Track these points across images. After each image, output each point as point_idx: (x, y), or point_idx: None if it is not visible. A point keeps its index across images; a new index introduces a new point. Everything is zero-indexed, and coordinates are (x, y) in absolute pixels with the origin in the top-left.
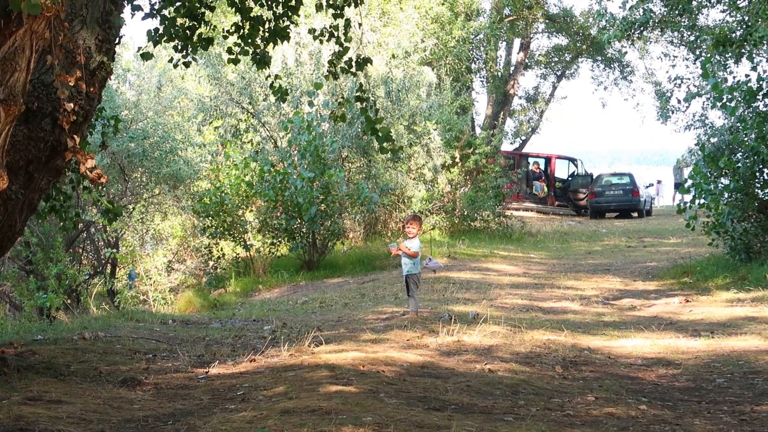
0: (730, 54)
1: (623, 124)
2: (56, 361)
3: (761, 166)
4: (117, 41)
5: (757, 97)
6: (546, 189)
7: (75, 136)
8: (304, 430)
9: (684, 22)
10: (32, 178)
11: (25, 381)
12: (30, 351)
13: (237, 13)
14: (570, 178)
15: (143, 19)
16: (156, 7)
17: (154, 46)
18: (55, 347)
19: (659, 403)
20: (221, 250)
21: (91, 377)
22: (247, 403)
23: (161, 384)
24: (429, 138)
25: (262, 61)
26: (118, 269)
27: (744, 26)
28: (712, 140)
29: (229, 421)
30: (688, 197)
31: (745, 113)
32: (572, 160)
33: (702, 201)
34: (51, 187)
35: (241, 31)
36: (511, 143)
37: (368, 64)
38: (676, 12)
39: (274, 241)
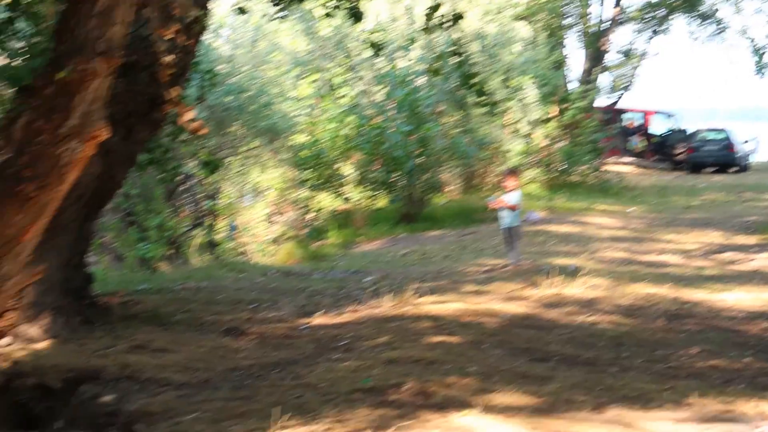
0: None
1: (718, 79)
2: (160, 310)
3: None
4: None
5: None
6: (642, 144)
7: (173, 89)
8: (409, 379)
9: None
10: (132, 131)
11: (130, 330)
12: (134, 301)
13: None
14: (667, 133)
15: None
16: None
17: (249, 0)
18: (158, 297)
19: (763, 356)
20: (320, 202)
21: (194, 327)
22: (350, 352)
23: (265, 333)
24: (524, 93)
25: (356, 15)
26: (217, 221)
27: None
28: None
29: (334, 370)
30: None
31: None
32: (668, 115)
33: None
34: (150, 139)
35: None
36: (607, 98)
37: (462, 19)
38: None
39: (373, 194)
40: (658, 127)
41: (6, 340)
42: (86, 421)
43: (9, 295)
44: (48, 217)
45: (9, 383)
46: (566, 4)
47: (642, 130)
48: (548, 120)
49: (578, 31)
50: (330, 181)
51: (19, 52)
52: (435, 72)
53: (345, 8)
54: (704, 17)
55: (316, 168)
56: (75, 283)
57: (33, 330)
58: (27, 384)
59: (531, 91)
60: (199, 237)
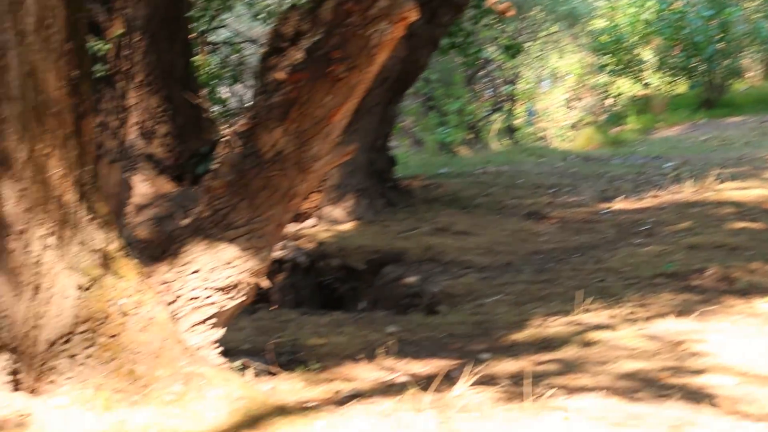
0: None
1: None
2: (461, 194)
3: None
4: None
5: None
6: None
7: None
8: (712, 265)
9: None
10: (436, 14)
11: (431, 213)
12: (435, 184)
13: None
14: None
15: None
16: None
17: None
18: (459, 180)
19: None
20: (619, 88)
21: (495, 210)
22: (652, 237)
23: (565, 218)
24: None
25: None
26: (516, 106)
27: None
28: None
29: (635, 255)
30: None
31: None
32: None
33: None
34: (453, 23)
35: None
36: None
37: None
38: None
39: (672, 79)
40: None
41: (311, 221)
42: (389, 302)
43: (318, 175)
44: (357, 98)
45: (314, 264)
46: None
47: None
48: None
49: None
50: (629, 67)
51: None
52: None
53: None
54: None
55: (615, 53)
56: (378, 166)
57: (337, 211)
58: (331, 265)
59: None
60: (498, 122)
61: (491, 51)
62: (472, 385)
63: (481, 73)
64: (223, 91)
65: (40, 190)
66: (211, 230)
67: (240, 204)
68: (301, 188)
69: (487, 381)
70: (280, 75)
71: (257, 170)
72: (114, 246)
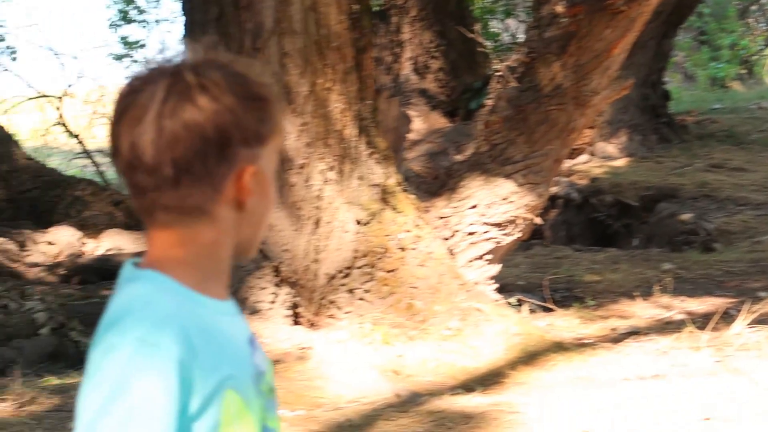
0: None
1: None
2: (735, 129)
3: None
4: None
5: None
6: None
7: None
8: None
9: None
10: None
11: (706, 149)
12: (708, 120)
13: None
14: None
15: None
16: None
17: None
18: (732, 116)
19: None
20: None
21: None
22: None
23: None
24: None
25: None
26: None
27: None
28: None
29: None
30: None
31: None
32: None
33: None
34: None
35: None
36: None
37: None
38: None
39: None
40: None
41: (583, 157)
42: (664, 238)
43: (596, 110)
44: (636, 32)
45: (587, 200)
46: None
47: None
48: None
49: None
50: None
51: None
52: None
53: None
54: None
55: None
56: (652, 101)
57: (610, 147)
58: (604, 201)
59: None
60: None
61: None
62: (750, 323)
63: (754, 6)
64: (496, 26)
65: (321, 125)
66: (489, 165)
67: (518, 139)
68: (579, 123)
69: (766, 320)
70: (559, 8)
71: (535, 105)
72: (393, 181)
